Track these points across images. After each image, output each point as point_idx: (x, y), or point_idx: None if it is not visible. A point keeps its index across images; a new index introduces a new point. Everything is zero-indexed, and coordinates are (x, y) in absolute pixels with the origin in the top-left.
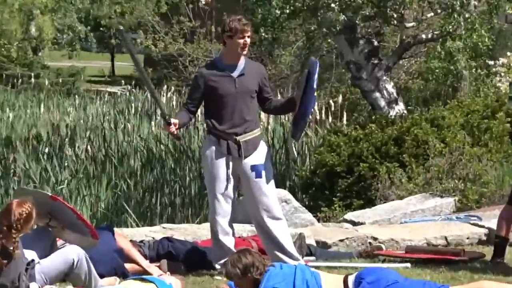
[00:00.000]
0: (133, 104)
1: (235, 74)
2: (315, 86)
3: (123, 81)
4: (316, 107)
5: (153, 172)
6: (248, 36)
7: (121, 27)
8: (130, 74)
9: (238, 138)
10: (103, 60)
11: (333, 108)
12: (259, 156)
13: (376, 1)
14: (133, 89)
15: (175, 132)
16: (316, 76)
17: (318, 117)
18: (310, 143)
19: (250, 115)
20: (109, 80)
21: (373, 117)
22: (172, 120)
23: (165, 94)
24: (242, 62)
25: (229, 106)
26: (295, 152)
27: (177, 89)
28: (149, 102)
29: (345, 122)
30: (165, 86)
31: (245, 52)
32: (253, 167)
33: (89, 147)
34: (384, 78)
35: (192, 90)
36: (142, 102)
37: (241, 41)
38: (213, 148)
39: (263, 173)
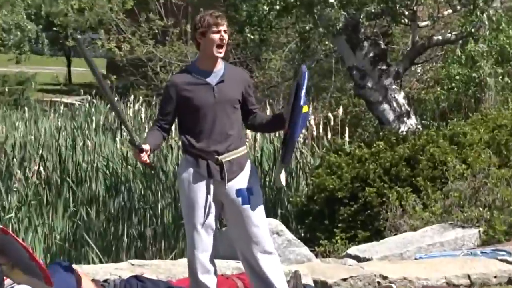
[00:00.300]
0: (93, 118)
1: (213, 81)
2: (302, 102)
3: (81, 90)
4: (312, 121)
5: (118, 198)
6: (225, 31)
7: (79, 37)
8: (90, 82)
9: (220, 157)
10: (57, 65)
11: (332, 123)
12: (245, 178)
13: None
14: (94, 100)
15: (147, 161)
16: (303, 89)
17: (315, 133)
18: (305, 164)
19: (233, 130)
20: (65, 89)
21: (381, 133)
22: (144, 147)
23: (131, 106)
24: (221, 67)
25: (208, 120)
26: (282, 180)
27: (146, 99)
28: (113, 115)
29: (347, 139)
30: (132, 96)
31: (222, 52)
32: (239, 192)
33: (41, 168)
34: (394, 87)
35: (164, 103)
36: (105, 114)
37: (216, 36)
38: (191, 170)
39: (251, 198)
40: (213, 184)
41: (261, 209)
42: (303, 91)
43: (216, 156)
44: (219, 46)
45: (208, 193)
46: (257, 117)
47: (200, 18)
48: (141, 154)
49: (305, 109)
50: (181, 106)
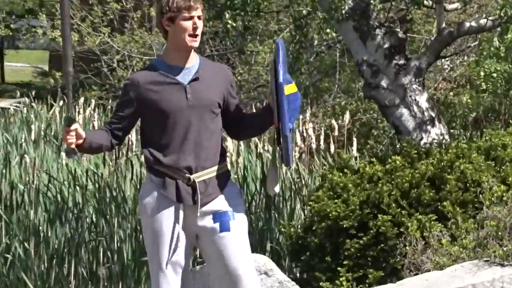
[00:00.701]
0: (33, 126)
1: (185, 79)
2: (281, 79)
3: (17, 91)
4: (311, 131)
5: (64, 228)
6: (199, 17)
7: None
8: (29, 81)
9: (192, 176)
10: None
11: (336, 133)
12: (225, 200)
13: None
14: (33, 103)
15: (72, 143)
16: (280, 64)
17: (314, 146)
18: (302, 185)
19: (211, 141)
20: None
21: (398, 146)
22: (75, 126)
23: (81, 111)
24: (195, 61)
25: (178, 128)
26: (275, 187)
27: (100, 102)
28: (57, 123)
29: (355, 153)
30: (82, 99)
31: (196, 42)
32: (217, 216)
33: None
34: (414, 86)
35: (120, 105)
36: (47, 122)
37: (188, 23)
38: (155, 193)
39: (232, 224)
40: (183, 210)
41: (245, 239)
42: (280, 67)
43: (187, 175)
44: (193, 36)
45: (177, 222)
46: (243, 119)
47: None
48: (69, 130)
49: (290, 89)
50: (143, 111)
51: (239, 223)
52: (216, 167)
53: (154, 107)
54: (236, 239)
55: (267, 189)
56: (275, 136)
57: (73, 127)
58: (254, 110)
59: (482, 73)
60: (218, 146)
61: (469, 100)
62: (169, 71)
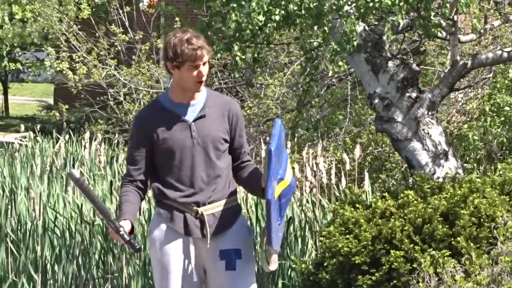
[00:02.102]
0: (38, 161)
1: (190, 116)
2: (271, 172)
3: (22, 125)
4: (322, 166)
5: (71, 265)
6: (205, 63)
7: (73, 170)
8: (33, 115)
9: (200, 209)
10: None
11: (348, 167)
12: (234, 237)
13: (414, 0)
14: (38, 137)
15: (128, 239)
16: (271, 176)
17: (325, 181)
18: (313, 220)
19: (219, 176)
20: (0, 124)
21: (410, 180)
22: (122, 224)
23: (88, 145)
24: (202, 97)
25: (185, 165)
26: (269, 265)
27: (106, 136)
28: (61, 157)
29: (367, 187)
30: (88, 133)
31: (201, 86)
32: (223, 254)
33: None
34: (427, 119)
35: (134, 146)
36: (52, 156)
37: (194, 72)
38: (163, 226)
39: (238, 263)
40: (193, 243)
41: (250, 279)
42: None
43: (195, 208)
44: (197, 84)
45: (185, 256)
46: (245, 170)
47: (173, 46)
48: (121, 233)
49: (283, 184)
50: (152, 148)
51: (246, 262)
52: (224, 201)
53: (160, 144)
54: (241, 280)
55: (262, 265)
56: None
57: (122, 225)
58: (262, 144)
59: (487, 108)
60: (226, 181)
61: (475, 137)
62: (175, 108)
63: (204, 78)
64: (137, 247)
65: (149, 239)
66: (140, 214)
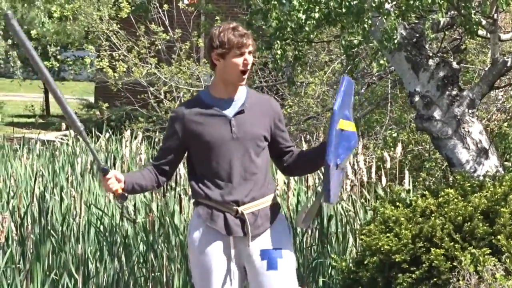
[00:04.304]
0: (79, 159)
1: (230, 112)
2: (336, 106)
3: (63, 124)
4: (362, 164)
5: (113, 263)
6: (250, 52)
7: (9, 12)
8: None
9: (240, 208)
10: (32, 91)
11: (388, 165)
12: (274, 236)
13: None
14: (79, 136)
15: (117, 190)
16: (339, 97)
17: (365, 179)
18: (353, 218)
19: (258, 174)
20: (42, 122)
21: (451, 179)
22: (111, 174)
23: (128, 144)
24: (242, 94)
25: (224, 161)
26: (303, 222)
27: (147, 135)
28: (103, 154)
29: (407, 186)
30: (128, 131)
31: (245, 79)
32: (264, 253)
33: (12, 224)
34: (468, 118)
35: (166, 138)
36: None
37: (239, 60)
38: (203, 227)
39: (280, 262)
40: (233, 242)
41: (291, 279)
42: (340, 96)
43: (235, 207)
44: (243, 72)
45: (226, 256)
46: (295, 155)
47: (219, 33)
48: (108, 180)
49: (348, 126)
50: (188, 143)
51: (287, 261)
52: (264, 199)
53: (198, 139)
54: (282, 279)
55: (295, 221)
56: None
57: (109, 175)
58: (303, 142)
59: None
60: (265, 178)
61: None
62: (215, 103)
63: (249, 67)
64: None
65: (188, 240)
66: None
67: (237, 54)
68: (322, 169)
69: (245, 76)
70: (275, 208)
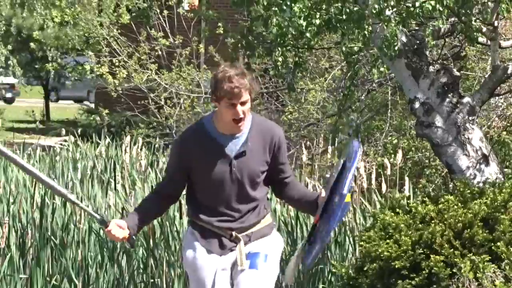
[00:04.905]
0: (79, 165)
1: (232, 151)
2: (346, 190)
3: (63, 129)
4: (362, 170)
5: (113, 268)
6: (243, 103)
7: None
8: (74, 118)
9: (234, 233)
10: (32, 96)
11: (388, 172)
12: (264, 244)
13: (454, 6)
14: (79, 142)
15: (124, 237)
16: (351, 172)
17: (365, 185)
18: (353, 225)
19: (255, 203)
20: (42, 128)
21: (451, 185)
22: (112, 225)
23: (128, 150)
24: (245, 127)
25: (221, 197)
26: (289, 277)
27: (147, 141)
28: (104, 160)
29: (407, 192)
30: (128, 137)
31: (239, 128)
32: (250, 255)
33: (13, 230)
34: (468, 125)
35: (170, 164)
36: (93, 159)
37: (231, 110)
38: (197, 244)
39: (261, 264)
40: (225, 254)
41: (270, 283)
42: (350, 175)
43: (230, 232)
44: (235, 122)
45: (219, 269)
46: (289, 190)
47: (216, 80)
48: (110, 231)
49: (347, 198)
50: (190, 172)
51: (269, 267)
52: (258, 224)
53: (199, 172)
54: (260, 279)
55: (285, 277)
56: (310, 231)
57: (110, 227)
58: (303, 148)
59: None
60: (261, 207)
61: None
62: (219, 138)
63: (240, 117)
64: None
65: (183, 256)
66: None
67: (229, 105)
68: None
69: (240, 124)
70: (268, 227)
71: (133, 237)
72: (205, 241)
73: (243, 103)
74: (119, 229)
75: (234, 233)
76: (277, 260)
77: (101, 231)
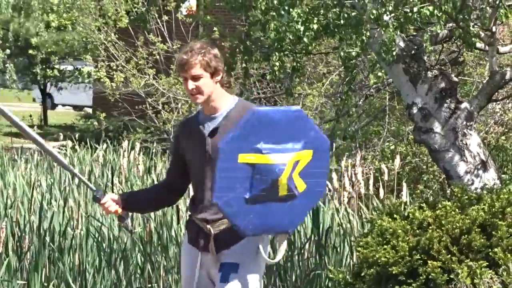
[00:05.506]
0: (77, 169)
1: (207, 130)
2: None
3: (61, 134)
4: (360, 176)
5: (110, 273)
6: (195, 77)
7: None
8: (72, 123)
9: (209, 226)
10: (29, 101)
11: (386, 177)
12: (236, 251)
13: (452, 11)
14: (77, 146)
15: (116, 211)
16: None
17: (363, 191)
18: (350, 230)
19: None
20: (39, 133)
21: (448, 191)
22: (106, 198)
23: (126, 154)
24: (225, 109)
25: (199, 181)
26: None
27: (144, 146)
28: (101, 165)
29: (404, 198)
30: (126, 142)
31: (199, 99)
32: (222, 266)
33: (10, 235)
34: (465, 130)
35: (171, 153)
36: (91, 164)
37: (185, 84)
38: (186, 239)
39: (232, 277)
40: (201, 255)
41: None
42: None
43: (205, 225)
44: (193, 97)
45: (194, 267)
46: None
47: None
48: (104, 203)
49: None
50: (185, 160)
51: (241, 278)
52: None
53: (185, 157)
54: None
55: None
56: None
57: (104, 200)
58: None
59: None
60: None
61: None
62: (203, 120)
63: (195, 92)
64: (126, 217)
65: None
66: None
67: (183, 79)
68: None
69: (198, 98)
70: None
71: (128, 220)
72: (187, 233)
73: (194, 78)
74: (112, 202)
75: (208, 226)
76: (252, 265)
77: (99, 236)
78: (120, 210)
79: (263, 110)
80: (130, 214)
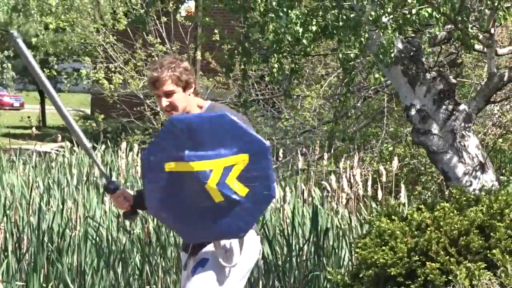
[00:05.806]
0: (75, 171)
1: None
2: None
3: (59, 135)
4: (358, 177)
5: (109, 274)
6: (167, 94)
7: (13, 32)
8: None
9: None
10: (28, 102)
11: (384, 179)
12: (209, 248)
13: (451, 13)
14: (75, 147)
15: (127, 207)
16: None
17: (361, 192)
18: (348, 232)
19: None
20: (37, 134)
21: (446, 193)
22: (120, 191)
23: (124, 156)
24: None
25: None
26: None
27: (143, 147)
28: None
29: (402, 199)
30: (124, 143)
31: (172, 113)
32: (198, 261)
33: (7, 235)
34: (464, 132)
35: None
36: (90, 166)
37: (159, 101)
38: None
39: (198, 270)
40: (185, 256)
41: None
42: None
43: None
44: (166, 111)
45: (184, 268)
46: None
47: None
48: (116, 197)
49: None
50: None
51: (206, 271)
52: None
53: None
54: (191, 283)
55: None
56: None
57: (117, 195)
58: (299, 155)
59: None
60: None
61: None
62: None
63: (168, 109)
64: (134, 215)
65: None
66: None
67: (156, 96)
68: None
69: (173, 113)
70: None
71: (136, 211)
72: (182, 242)
73: (167, 94)
74: (123, 199)
75: None
76: (219, 263)
77: (97, 237)
78: (128, 208)
79: (178, 117)
80: (139, 212)
